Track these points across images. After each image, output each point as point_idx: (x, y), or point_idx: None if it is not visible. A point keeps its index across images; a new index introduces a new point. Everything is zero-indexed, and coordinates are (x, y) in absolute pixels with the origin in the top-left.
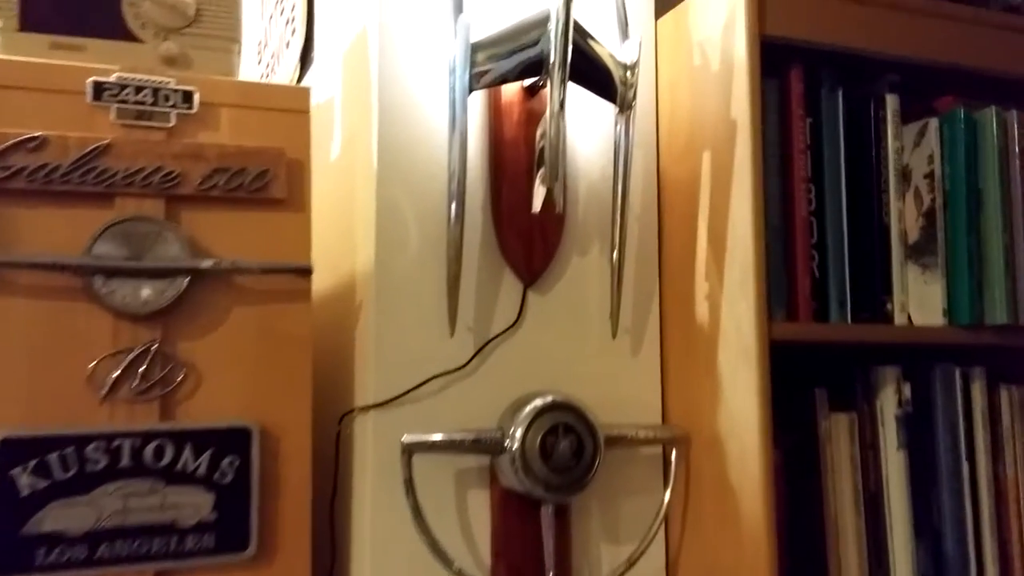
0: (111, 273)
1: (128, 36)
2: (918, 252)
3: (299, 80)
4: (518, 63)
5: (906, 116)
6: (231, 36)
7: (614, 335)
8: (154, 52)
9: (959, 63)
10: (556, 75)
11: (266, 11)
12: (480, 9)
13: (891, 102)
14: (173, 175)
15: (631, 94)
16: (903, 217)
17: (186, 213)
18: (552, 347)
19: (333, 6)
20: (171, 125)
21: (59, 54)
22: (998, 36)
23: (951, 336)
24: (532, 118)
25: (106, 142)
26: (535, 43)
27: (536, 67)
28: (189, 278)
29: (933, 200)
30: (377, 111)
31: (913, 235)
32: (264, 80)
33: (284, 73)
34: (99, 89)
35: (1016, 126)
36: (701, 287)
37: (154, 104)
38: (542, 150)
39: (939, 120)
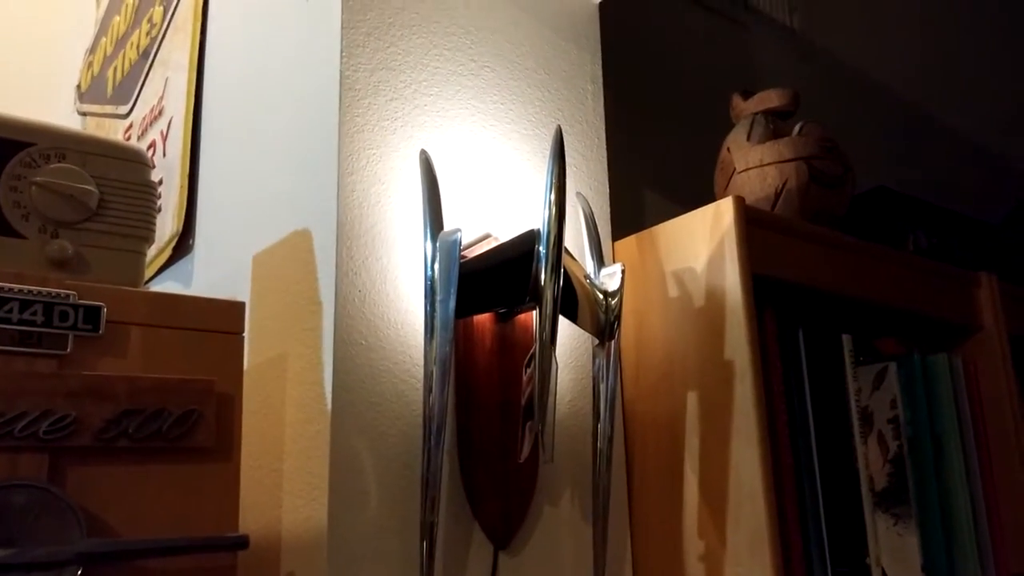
0: None
1: (4, 229)
2: (888, 501)
3: (167, 262)
4: (504, 289)
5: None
6: (142, 234)
7: None
8: (39, 252)
9: (887, 302)
10: (548, 303)
11: None
12: (453, 220)
13: (846, 343)
14: (66, 421)
15: (614, 324)
16: (868, 462)
17: (78, 472)
18: None
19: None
20: (67, 352)
21: None
22: (915, 277)
23: None
24: (506, 347)
25: None
26: (523, 266)
27: (520, 294)
28: (81, 570)
29: (900, 447)
30: (333, 340)
31: (880, 482)
32: None
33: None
34: None
35: (962, 371)
36: (693, 545)
37: (45, 324)
38: (531, 391)
39: (896, 364)
